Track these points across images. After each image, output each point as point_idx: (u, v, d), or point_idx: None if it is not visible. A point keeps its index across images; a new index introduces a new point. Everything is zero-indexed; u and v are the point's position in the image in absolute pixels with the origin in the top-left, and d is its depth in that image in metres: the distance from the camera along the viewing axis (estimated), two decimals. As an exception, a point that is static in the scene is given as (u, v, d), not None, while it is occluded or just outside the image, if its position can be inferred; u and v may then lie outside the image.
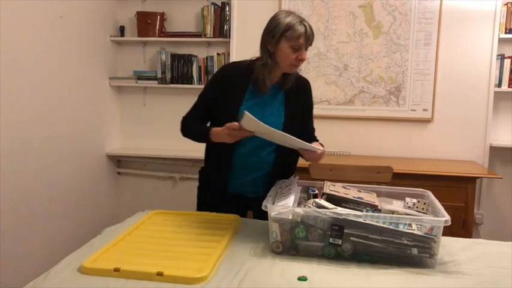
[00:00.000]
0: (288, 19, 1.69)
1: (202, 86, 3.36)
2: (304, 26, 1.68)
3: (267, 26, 1.75)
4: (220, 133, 1.69)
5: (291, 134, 1.68)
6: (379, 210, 1.56)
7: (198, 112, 1.88)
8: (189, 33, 3.45)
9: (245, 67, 1.81)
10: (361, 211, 1.54)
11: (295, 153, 1.81)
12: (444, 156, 3.24)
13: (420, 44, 3.19)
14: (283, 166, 1.86)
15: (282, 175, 1.84)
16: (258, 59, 1.79)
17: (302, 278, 1.28)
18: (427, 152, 3.26)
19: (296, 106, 1.85)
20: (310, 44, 1.74)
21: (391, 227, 1.39)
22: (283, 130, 1.71)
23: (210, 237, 1.56)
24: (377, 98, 3.28)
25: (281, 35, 1.68)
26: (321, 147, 1.75)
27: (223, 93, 1.80)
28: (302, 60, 1.72)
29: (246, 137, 1.68)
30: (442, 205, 1.54)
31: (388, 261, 1.39)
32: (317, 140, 1.92)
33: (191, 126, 1.87)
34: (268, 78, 1.75)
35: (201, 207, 2.01)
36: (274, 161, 1.82)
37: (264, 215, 1.58)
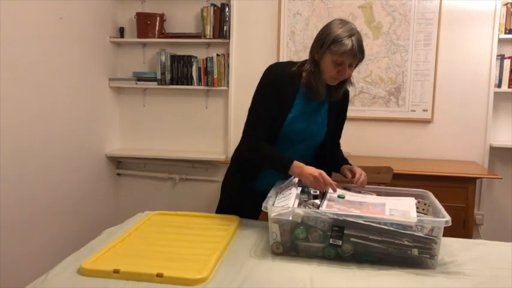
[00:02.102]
0: (339, 31, 1.59)
1: (202, 87, 3.39)
2: (352, 41, 1.57)
3: (319, 32, 1.67)
4: (306, 173, 1.60)
5: (329, 143, 1.80)
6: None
7: (265, 127, 1.71)
8: (188, 34, 3.45)
9: (293, 72, 1.73)
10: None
11: (330, 170, 1.83)
12: (444, 157, 3.23)
13: (420, 44, 3.19)
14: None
15: None
16: (303, 63, 1.73)
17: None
18: (427, 153, 3.26)
19: (337, 116, 1.84)
20: (358, 62, 1.64)
21: (391, 228, 1.38)
22: (325, 140, 1.78)
23: (210, 238, 1.56)
24: (377, 99, 3.28)
25: (328, 46, 1.59)
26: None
27: (273, 101, 1.70)
28: (343, 76, 1.65)
29: (287, 143, 1.72)
30: (443, 205, 1.54)
31: (388, 262, 1.39)
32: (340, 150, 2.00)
33: (268, 154, 1.70)
34: (320, 85, 1.69)
35: (222, 200, 1.99)
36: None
37: None
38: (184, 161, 3.51)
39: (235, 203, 1.91)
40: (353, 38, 1.57)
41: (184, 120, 3.55)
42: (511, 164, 3.24)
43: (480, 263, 1.44)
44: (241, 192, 1.89)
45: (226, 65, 3.35)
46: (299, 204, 1.59)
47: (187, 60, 3.40)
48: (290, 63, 1.77)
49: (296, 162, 1.64)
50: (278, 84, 1.70)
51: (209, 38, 3.35)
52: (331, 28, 1.62)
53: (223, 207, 1.96)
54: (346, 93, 1.87)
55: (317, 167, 1.65)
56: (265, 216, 1.77)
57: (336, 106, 1.83)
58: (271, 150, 1.71)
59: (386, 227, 1.39)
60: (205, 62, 3.37)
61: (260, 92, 1.74)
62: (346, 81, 1.75)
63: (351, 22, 1.65)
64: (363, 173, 1.77)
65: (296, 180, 1.79)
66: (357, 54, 1.59)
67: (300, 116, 1.73)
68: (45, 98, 2.75)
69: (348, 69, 1.63)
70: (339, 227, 1.40)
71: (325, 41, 1.61)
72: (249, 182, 1.86)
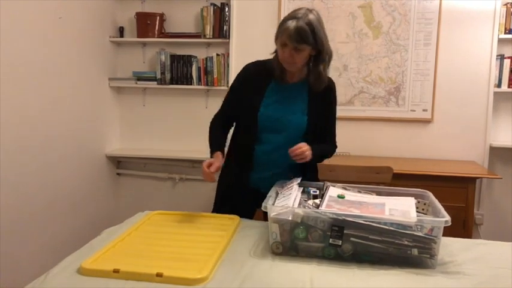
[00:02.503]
0: (288, 14, 1.67)
1: (201, 87, 3.40)
2: (291, 24, 1.62)
3: None
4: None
5: (315, 135, 1.78)
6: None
7: (224, 113, 1.93)
8: (188, 34, 3.45)
9: (267, 64, 1.83)
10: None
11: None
12: (444, 157, 3.23)
13: (420, 44, 3.19)
14: (304, 165, 1.83)
15: (303, 173, 1.84)
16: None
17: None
18: (427, 152, 3.26)
19: (320, 106, 1.83)
20: (298, 44, 1.64)
21: (391, 227, 1.38)
22: (307, 130, 1.78)
23: (210, 237, 1.56)
24: (377, 99, 3.28)
25: (277, 29, 1.70)
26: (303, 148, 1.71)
27: (245, 92, 1.83)
28: (291, 60, 1.69)
29: (267, 133, 1.78)
30: (442, 205, 1.54)
31: (388, 262, 1.39)
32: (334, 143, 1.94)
33: (210, 134, 1.92)
34: (277, 67, 1.76)
35: (217, 198, 2.02)
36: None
37: None
38: (184, 160, 3.51)
39: (230, 197, 1.94)
40: (295, 20, 1.63)
41: (184, 119, 3.54)
42: (511, 163, 3.24)
43: (480, 263, 1.44)
44: (236, 186, 1.91)
45: (226, 65, 3.35)
46: (299, 204, 1.59)
47: (187, 59, 3.40)
48: (270, 59, 1.85)
49: (216, 153, 1.79)
50: (248, 76, 1.84)
51: (209, 38, 3.35)
52: (287, 14, 1.70)
53: (219, 202, 1.99)
54: (329, 88, 1.85)
55: (303, 164, 1.75)
56: (260, 215, 1.78)
57: (317, 98, 1.82)
58: (215, 132, 1.90)
59: (386, 227, 1.39)
60: (205, 62, 3.37)
61: (233, 83, 1.92)
62: (318, 74, 1.76)
63: (312, 12, 1.71)
64: (305, 147, 1.71)
65: (297, 180, 1.79)
66: (292, 36, 1.62)
67: (274, 103, 1.79)
68: (45, 98, 2.74)
69: (295, 54, 1.67)
70: (339, 226, 1.40)
71: (279, 25, 1.70)
72: (244, 173, 1.88)
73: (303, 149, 1.71)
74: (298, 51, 1.67)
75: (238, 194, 1.91)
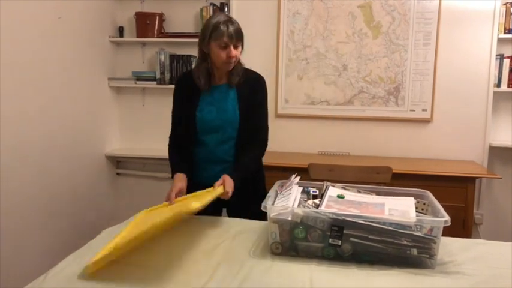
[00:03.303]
0: (215, 20, 1.82)
1: (201, 87, 3.39)
2: (227, 26, 1.79)
3: (201, 30, 1.90)
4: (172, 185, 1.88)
5: (247, 130, 1.91)
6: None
7: (175, 129, 2.11)
8: (188, 34, 3.44)
9: (193, 75, 1.96)
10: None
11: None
12: (443, 156, 3.23)
13: (419, 44, 3.19)
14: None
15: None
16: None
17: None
18: (426, 152, 3.26)
19: (249, 102, 1.94)
20: (238, 41, 1.83)
21: (390, 227, 1.38)
22: (240, 126, 1.91)
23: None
24: (376, 98, 3.28)
25: (209, 36, 1.82)
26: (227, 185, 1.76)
27: (182, 103, 2.01)
28: (231, 57, 1.82)
29: (206, 134, 1.93)
30: (442, 205, 1.54)
31: (387, 262, 1.39)
32: (257, 140, 2.00)
33: (170, 158, 2.10)
34: (201, 75, 1.91)
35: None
36: (236, 152, 1.95)
37: (236, 212, 1.84)
38: (183, 160, 3.51)
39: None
40: (228, 22, 1.80)
41: (183, 119, 3.54)
42: (511, 163, 3.24)
43: (479, 262, 1.44)
44: (193, 189, 1.91)
45: (226, 65, 3.35)
46: (298, 204, 1.59)
47: (187, 59, 3.39)
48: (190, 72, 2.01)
49: (177, 175, 1.93)
50: (181, 88, 2.02)
51: (208, 38, 3.35)
52: (208, 21, 1.86)
53: None
54: (256, 80, 1.99)
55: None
56: (206, 212, 1.75)
57: (246, 92, 1.94)
58: (172, 157, 2.07)
59: (386, 227, 1.39)
60: (204, 62, 3.37)
61: (173, 100, 2.08)
62: (236, 65, 1.90)
63: (223, 12, 1.86)
64: (228, 183, 1.76)
65: (296, 180, 1.79)
66: (233, 35, 1.80)
67: (207, 107, 1.94)
68: (45, 98, 2.74)
69: (234, 51, 1.83)
70: (338, 226, 1.40)
71: (206, 33, 1.83)
72: (194, 173, 1.97)
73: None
74: (236, 48, 1.84)
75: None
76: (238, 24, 1.86)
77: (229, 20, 1.83)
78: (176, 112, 2.08)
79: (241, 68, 1.95)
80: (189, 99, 1.97)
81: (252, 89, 1.97)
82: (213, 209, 1.84)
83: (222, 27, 1.79)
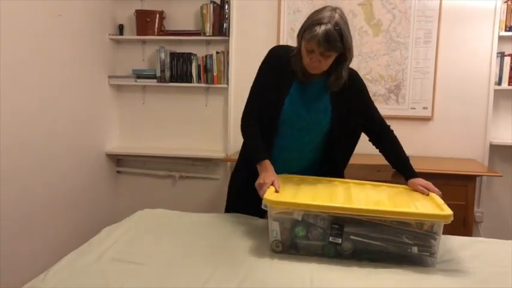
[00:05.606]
0: (314, 18, 1.56)
1: (201, 85, 3.39)
2: (320, 29, 1.52)
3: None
4: (261, 175, 1.61)
5: (340, 134, 1.73)
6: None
7: (256, 107, 1.76)
8: (188, 32, 3.44)
9: (291, 58, 1.70)
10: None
11: (346, 156, 1.84)
12: (444, 155, 3.23)
13: (420, 42, 3.19)
14: (323, 164, 1.81)
15: (322, 173, 1.81)
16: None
17: None
18: (427, 150, 3.25)
19: (346, 105, 1.74)
20: (328, 51, 1.56)
21: (391, 224, 1.38)
22: (331, 128, 1.73)
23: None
24: (377, 96, 3.27)
25: (303, 33, 1.59)
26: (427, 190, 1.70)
27: (271, 81, 1.71)
28: (318, 65, 1.60)
29: (290, 131, 1.71)
30: (443, 203, 1.53)
31: (388, 260, 1.39)
32: (387, 126, 1.96)
33: (250, 138, 1.78)
34: (299, 68, 1.67)
35: (230, 196, 1.97)
36: (315, 158, 1.81)
37: None
38: (184, 158, 3.51)
39: (241, 200, 1.88)
40: (323, 26, 1.53)
41: (184, 117, 3.54)
42: (511, 161, 3.24)
43: (480, 260, 1.44)
44: (247, 189, 1.78)
45: (226, 63, 3.34)
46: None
47: (187, 57, 3.39)
48: (292, 48, 1.74)
49: (266, 162, 1.64)
50: (277, 66, 1.72)
51: (209, 36, 3.34)
52: (310, 16, 1.60)
53: (230, 205, 1.95)
54: (355, 83, 1.79)
55: (327, 163, 1.79)
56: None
57: (343, 95, 1.73)
58: (256, 135, 1.73)
59: (386, 224, 1.38)
60: (204, 60, 3.37)
61: (260, 72, 1.78)
62: (340, 73, 1.68)
63: (336, 11, 1.61)
64: (431, 187, 1.71)
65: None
66: (321, 43, 1.52)
67: (298, 100, 1.71)
68: (45, 96, 2.74)
69: (323, 59, 1.58)
70: (339, 224, 1.40)
71: (302, 28, 1.61)
72: (254, 177, 1.75)
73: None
74: (326, 57, 1.59)
75: (250, 198, 1.75)
76: (343, 31, 1.56)
77: (328, 22, 1.53)
78: (260, 89, 1.76)
79: (344, 76, 1.68)
80: (279, 83, 1.70)
81: (351, 92, 1.74)
82: (256, 209, 1.65)
83: (315, 29, 1.53)
